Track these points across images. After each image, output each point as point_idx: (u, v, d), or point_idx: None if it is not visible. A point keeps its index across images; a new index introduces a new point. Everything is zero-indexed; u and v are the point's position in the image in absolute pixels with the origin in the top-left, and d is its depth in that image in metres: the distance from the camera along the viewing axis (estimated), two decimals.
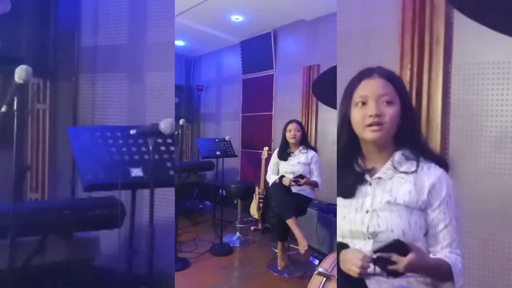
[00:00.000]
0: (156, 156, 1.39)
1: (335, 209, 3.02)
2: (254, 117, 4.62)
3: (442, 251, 0.99)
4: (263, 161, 3.64)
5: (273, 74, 4.34)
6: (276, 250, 2.79)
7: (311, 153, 2.85)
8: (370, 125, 0.98)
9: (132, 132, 1.35)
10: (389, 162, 1.04)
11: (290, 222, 2.42)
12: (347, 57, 1.75)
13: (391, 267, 0.84)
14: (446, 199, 0.99)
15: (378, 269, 0.88)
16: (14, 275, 1.23)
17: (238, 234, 3.45)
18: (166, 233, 2.21)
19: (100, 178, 1.28)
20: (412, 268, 0.85)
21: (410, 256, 0.84)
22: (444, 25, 1.70)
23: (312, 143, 3.59)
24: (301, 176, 2.63)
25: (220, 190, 3.90)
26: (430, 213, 1.00)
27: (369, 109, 0.98)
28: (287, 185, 2.67)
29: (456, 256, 0.98)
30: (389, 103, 0.98)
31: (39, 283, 1.56)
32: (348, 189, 1.06)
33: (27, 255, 1.52)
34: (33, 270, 1.54)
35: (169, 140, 1.48)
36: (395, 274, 0.85)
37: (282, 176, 2.77)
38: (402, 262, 0.84)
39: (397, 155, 1.03)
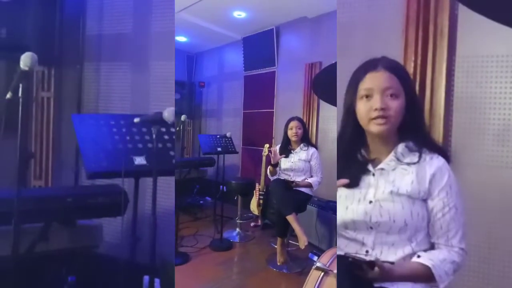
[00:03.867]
0: (160, 145, 1.40)
1: (335, 206, 3.06)
2: (256, 114, 4.62)
3: (438, 241, 1.00)
4: (263, 158, 3.65)
5: (275, 71, 4.34)
6: (276, 246, 2.80)
7: (312, 150, 2.87)
8: (375, 118, 0.98)
9: (136, 120, 1.35)
10: (392, 153, 1.04)
11: (290, 218, 2.44)
12: (348, 49, 1.74)
13: (359, 272, 0.88)
14: (446, 188, 0.99)
15: None
16: (17, 262, 1.24)
17: (238, 230, 3.46)
18: (167, 222, 2.21)
19: (103, 166, 1.29)
20: (378, 279, 0.89)
21: (375, 270, 0.87)
22: (449, 17, 1.70)
23: (313, 141, 3.59)
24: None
25: (221, 186, 3.91)
26: (430, 202, 1.00)
27: (374, 103, 0.99)
28: (274, 159, 2.74)
29: (447, 253, 0.98)
30: (393, 96, 0.99)
31: (42, 270, 1.57)
32: (352, 179, 1.06)
33: (30, 241, 1.53)
34: (36, 257, 1.55)
35: (172, 129, 1.49)
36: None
37: (273, 166, 2.81)
38: (369, 273, 0.87)
39: (400, 147, 1.04)
